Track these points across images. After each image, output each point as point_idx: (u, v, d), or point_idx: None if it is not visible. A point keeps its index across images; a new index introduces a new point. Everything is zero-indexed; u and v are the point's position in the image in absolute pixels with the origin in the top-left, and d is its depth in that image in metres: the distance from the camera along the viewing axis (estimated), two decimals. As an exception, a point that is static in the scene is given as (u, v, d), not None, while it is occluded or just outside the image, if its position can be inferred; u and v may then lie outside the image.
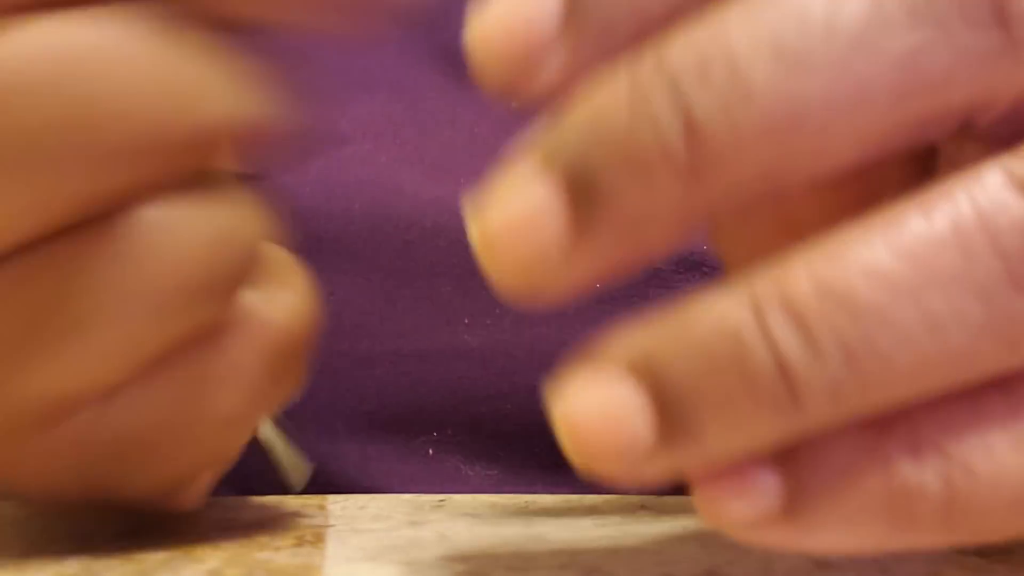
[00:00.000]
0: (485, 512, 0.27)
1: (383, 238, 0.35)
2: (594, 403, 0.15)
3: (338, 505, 0.27)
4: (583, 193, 0.15)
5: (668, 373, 0.15)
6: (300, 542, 0.23)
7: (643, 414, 0.15)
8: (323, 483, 0.37)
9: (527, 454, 0.35)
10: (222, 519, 0.25)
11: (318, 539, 0.24)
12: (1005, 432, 0.14)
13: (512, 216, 0.15)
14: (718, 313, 0.14)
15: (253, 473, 0.39)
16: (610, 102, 0.14)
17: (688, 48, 0.14)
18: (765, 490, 0.15)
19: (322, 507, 0.27)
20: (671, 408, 0.15)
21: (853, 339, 0.14)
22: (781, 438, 0.15)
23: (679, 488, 0.19)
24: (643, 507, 0.28)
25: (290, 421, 0.37)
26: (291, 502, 0.28)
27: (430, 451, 0.36)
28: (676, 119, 0.14)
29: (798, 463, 0.15)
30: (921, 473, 0.14)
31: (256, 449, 0.38)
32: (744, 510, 0.15)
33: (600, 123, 0.14)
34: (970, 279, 0.13)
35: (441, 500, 0.28)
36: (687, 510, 0.27)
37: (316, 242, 0.35)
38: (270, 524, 0.25)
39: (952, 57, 0.14)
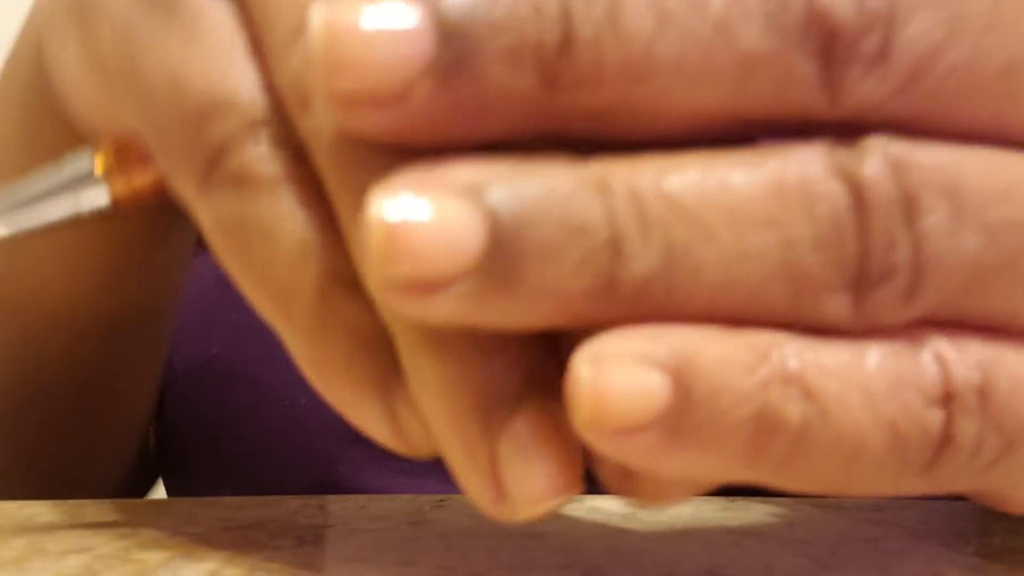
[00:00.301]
0: (485, 513, 0.27)
1: None
2: (425, 209, 0.15)
3: (338, 505, 0.27)
4: (451, 42, 0.15)
5: (507, 213, 0.15)
6: (300, 542, 0.23)
7: (476, 233, 0.15)
8: (323, 482, 0.37)
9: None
10: (221, 519, 0.25)
11: (318, 539, 0.24)
12: (861, 388, 0.15)
13: (377, 28, 0.15)
14: (574, 175, 0.15)
15: (252, 473, 0.39)
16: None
17: None
18: (657, 395, 0.15)
19: (322, 507, 0.27)
20: (502, 241, 0.15)
21: (678, 240, 0.15)
22: (587, 311, 0.15)
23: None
24: (644, 508, 0.27)
25: (295, 425, 0.37)
26: (291, 502, 0.28)
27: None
28: (557, 24, 0.15)
29: (688, 379, 0.15)
30: (787, 406, 0.15)
31: (255, 449, 0.38)
32: (632, 412, 0.15)
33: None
34: (782, 228, 0.15)
35: (441, 500, 0.28)
36: (688, 511, 0.27)
37: None
38: (270, 524, 0.25)
39: (782, 75, 0.15)
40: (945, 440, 0.15)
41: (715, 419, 0.15)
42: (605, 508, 0.27)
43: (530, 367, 0.17)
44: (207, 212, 0.18)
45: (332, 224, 0.17)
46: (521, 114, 0.16)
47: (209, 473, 0.40)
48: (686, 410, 0.15)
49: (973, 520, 0.27)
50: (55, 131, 0.27)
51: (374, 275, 0.15)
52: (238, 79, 0.18)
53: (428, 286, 0.15)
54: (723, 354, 0.15)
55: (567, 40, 0.15)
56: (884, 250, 0.15)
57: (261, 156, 0.18)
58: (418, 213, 0.15)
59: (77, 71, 0.21)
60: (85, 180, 0.20)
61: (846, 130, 0.16)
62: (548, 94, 0.15)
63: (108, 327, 0.34)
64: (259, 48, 0.18)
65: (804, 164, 0.15)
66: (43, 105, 0.27)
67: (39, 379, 0.35)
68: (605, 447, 0.15)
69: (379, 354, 0.17)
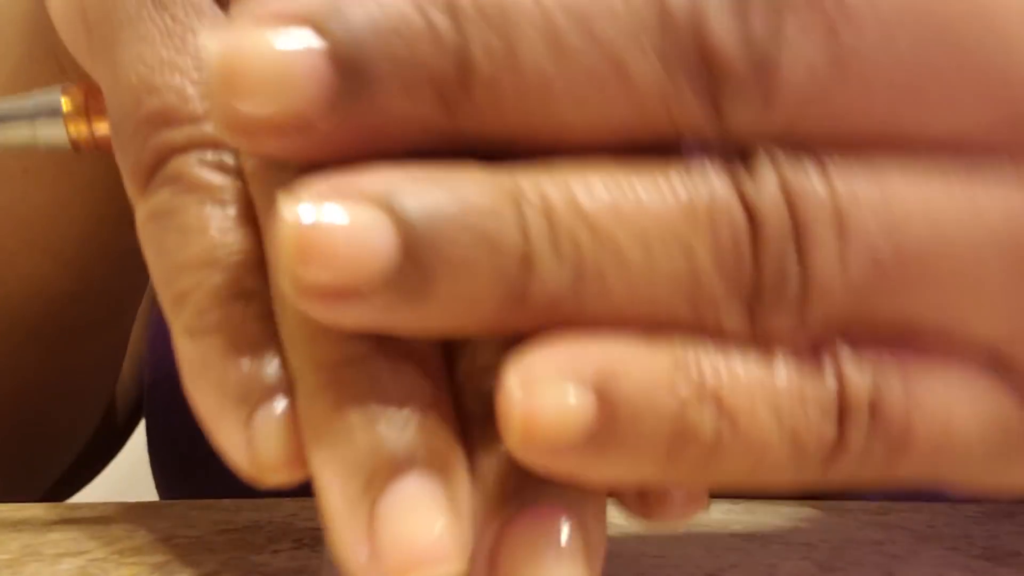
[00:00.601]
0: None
1: None
2: (338, 214, 0.15)
3: (336, 507, 0.27)
4: (352, 71, 0.15)
5: (420, 223, 0.15)
6: (298, 545, 0.23)
7: (388, 241, 0.15)
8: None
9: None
10: (218, 522, 0.25)
11: (316, 542, 0.23)
12: (769, 402, 0.16)
13: (274, 59, 0.15)
14: (488, 186, 0.15)
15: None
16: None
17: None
18: (585, 415, 0.15)
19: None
20: (414, 251, 0.15)
21: (589, 258, 0.15)
22: (499, 320, 0.16)
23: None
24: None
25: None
26: (288, 504, 0.27)
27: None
28: (455, 57, 0.15)
29: (614, 397, 0.16)
30: (701, 418, 0.16)
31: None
32: (561, 432, 0.15)
33: (384, 18, 0.15)
34: (688, 249, 0.16)
35: (440, 502, 0.28)
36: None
37: None
38: (267, 527, 0.25)
39: (673, 106, 0.16)
40: (838, 446, 0.16)
41: (637, 434, 0.16)
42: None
43: (425, 426, 0.16)
44: (142, 204, 0.19)
45: (253, 245, 0.18)
46: (423, 136, 0.16)
47: (202, 477, 0.40)
48: (611, 427, 0.16)
49: (978, 523, 0.27)
50: (51, 75, 0.28)
51: (286, 277, 0.15)
52: (204, 104, 0.19)
53: (339, 293, 0.15)
54: (646, 372, 0.16)
55: (465, 74, 0.15)
56: (775, 273, 0.16)
57: (203, 166, 0.18)
58: (331, 217, 0.15)
59: (64, 8, 0.22)
60: (48, 115, 0.21)
61: (742, 146, 0.16)
62: (448, 120, 0.16)
63: (95, 261, 0.34)
64: None
65: (710, 186, 0.16)
66: (42, 47, 0.28)
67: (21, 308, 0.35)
68: (534, 464, 0.16)
69: (254, 375, 0.17)
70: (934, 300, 0.17)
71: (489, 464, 0.17)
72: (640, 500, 0.19)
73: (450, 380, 0.17)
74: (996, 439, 0.18)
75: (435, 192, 0.15)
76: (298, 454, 0.17)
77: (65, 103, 0.21)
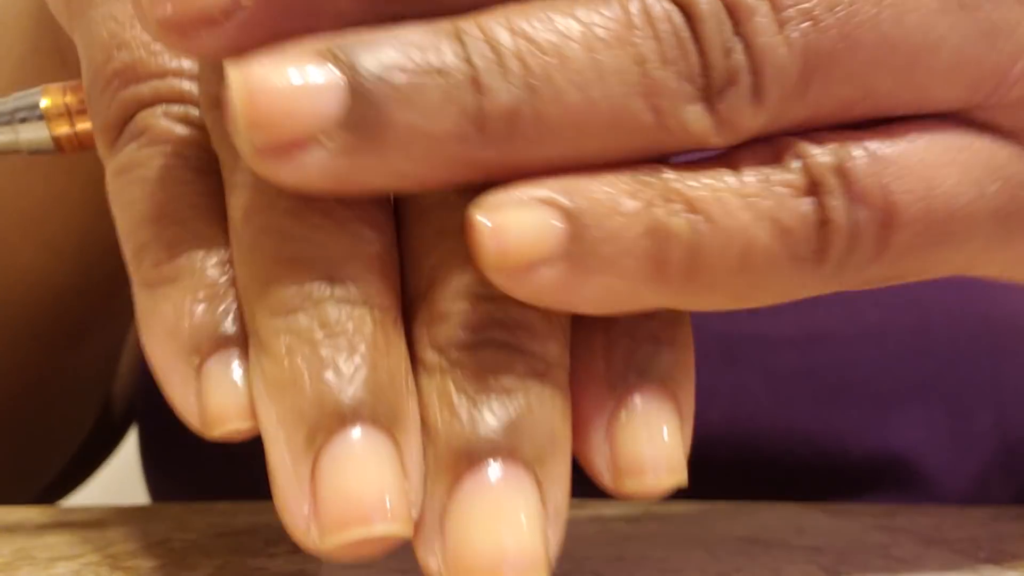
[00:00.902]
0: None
1: None
2: (283, 69, 0.15)
3: (334, 510, 0.27)
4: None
5: (364, 62, 0.15)
6: (295, 548, 0.23)
7: (336, 85, 0.15)
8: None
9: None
10: (214, 524, 0.25)
11: (314, 545, 0.23)
12: (737, 193, 0.17)
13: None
14: (428, 29, 0.16)
15: (247, 477, 0.38)
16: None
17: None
18: (552, 227, 0.16)
19: (318, 512, 0.27)
20: (362, 89, 0.15)
21: (535, 67, 0.16)
22: (462, 157, 0.16)
23: (685, 496, 0.18)
24: (648, 512, 0.27)
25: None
26: (286, 507, 0.27)
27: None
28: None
29: (577, 208, 0.16)
30: (673, 219, 0.16)
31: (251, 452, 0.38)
32: (532, 246, 0.16)
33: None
34: (630, 47, 0.16)
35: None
36: (694, 516, 0.27)
37: None
38: (264, 530, 0.24)
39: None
40: (823, 222, 0.17)
41: (610, 241, 0.16)
42: (608, 515, 0.27)
43: (375, 378, 0.16)
44: (110, 160, 0.19)
45: (214, 197, 0.18)
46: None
47: (194, 479, 0.40)
48: (581, 236, 0.16)
49: (985, 526, 0.27)
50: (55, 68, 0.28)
51: (242, 144, 0.15)
52: (175, 59, 0.19)
53: (295, 143, 0.15)
54: (606, 184, 0.16)
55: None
56: (721, 57, 0.16)
57: (168, 119, 0.19)
58: (277, 75, 0.15)
59: None
60: (29, 116, 0.21)
61: None
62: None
63: (89, 253, 0.34)
64: None
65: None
66: (47, 41, 0.28)
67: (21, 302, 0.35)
68: (516, 289, 0.16)
69: (206, 325, 0.17)
70: (885, 67, 0.17)
71: (443, 420, 0.16)
72: (614, 471, 0.17)
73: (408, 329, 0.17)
74: (995, 191, 0.18)
75: (376, 37, 0.16)
76: (247, 406, 0.17)
77: (45, 103, 0.21)
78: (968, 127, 0.18)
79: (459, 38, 0.16)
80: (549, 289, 0.16)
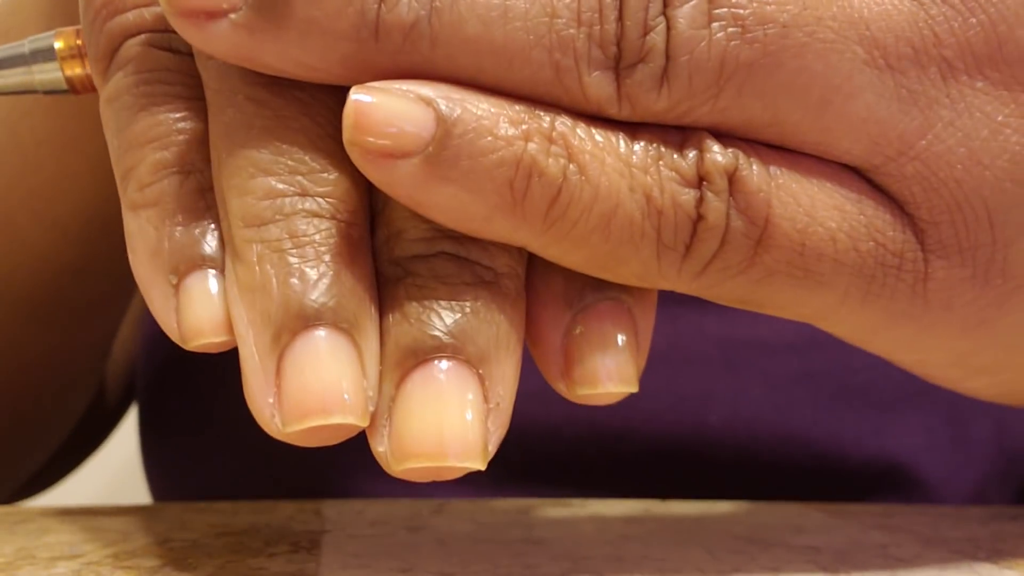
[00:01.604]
0: (485, 517, 0.26)
1: None
2: None
3: (334, 510, 0.27)
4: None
5: None
6: (295, 548, 0.23)
7: None
8: (320, 486, 0.36)
9: (528, 456, 0.35)
10: (215, 524, 0.25)
11: (314, 545, 0.23)
12: (621, 159, 0.17)
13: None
14: None
15: (248, 476, 0.38)
16: None
17: None
18: (417, 121, 0.17)
19: (318, 512, 0.27)
20: None
21: None
22: (358, 58, 0.17)
23: (683, 494, 0.18)
24: (647, 512, 0.27)
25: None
26: (286, 507, 0.27)
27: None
28: None
29: (451, 116, 0.17)
30: (547, 159, 0.17)
31: (251, 452, 0.38)
32: (392, 133, 0.17)
33: None
34: None
35: (440, 505, 0.28)
36: (694, 516, 0.27)
37: None
38: (264, 530, 0.24)
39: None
40: (698, 217, 0.17)
41: (475, 156, 0.17)
42: (608, 514, 0.27)
43: (339, 284, 0.17)
44: (104, 90, 0.20)
45: (197, 121, 0.19)
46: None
47: (198, 477, 0.40)
48: (444, 143, 0.16)
49: (983, 525, 0.26)
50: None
51: (163, 3, 0.17)
52: None
53: (206, 11, 0.17)
54: (492, 105, 0.17)
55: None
56: (639, 31, 0.17)
57: (151, 47, 0.19)
58: None
59: None
60: (43, 58, 0.22)
61: None
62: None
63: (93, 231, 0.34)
64: None
65: None
66: (62, 19, 0.29)
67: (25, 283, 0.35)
68: (371, 172, 0.17)
69: (186, 243, 0.18)
70: (798, 98, 0.17)
71: (395, 322, 0.17)
72: (568, 379, 0.19)
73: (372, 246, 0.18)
74: (867, 250, 0.18)
75: None
76: (223, 321, 0.18)
77: (59, 44, 0.22)
78: (862, 185, 0.18)
79: None
80: (400, 183, 0.17)
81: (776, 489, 0.34)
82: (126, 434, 0.48)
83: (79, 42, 0.22)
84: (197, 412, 0.40)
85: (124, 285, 0.38)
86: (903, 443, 0.36)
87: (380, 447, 0.17)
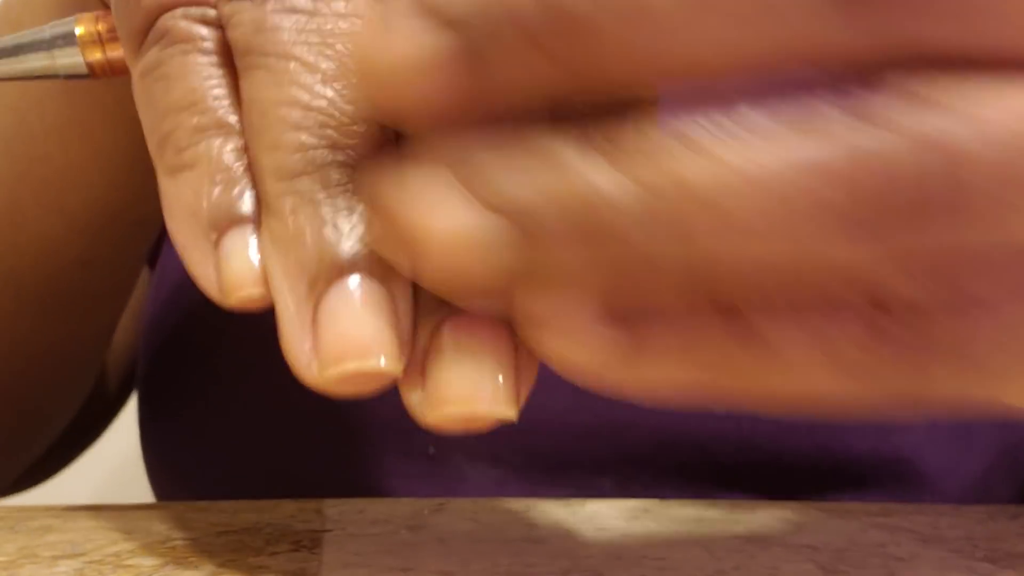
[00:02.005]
0: (486, 516, 0.26)
1: None
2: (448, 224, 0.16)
3: (336, 509, 0.27)
4: (468, 46, 0.15)
5: (529, 214, 0.15)
6: (296, 547, 0.23)
7: (498, 241, 0.15)
8: (321, 485, 0.36)
9: (529, 455, 0.35)
10: (216, 524, 0.25)
11: (315, 544, 0.23)
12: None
13: (403, 52, 0.16)
14: (582, 173, 0.15)
15: (248, 476, 0.38)
16: None
17: None
18: (605, 341, 0.16)
19: (319, 511, 0.27)
20: (528, 241, 0.15)
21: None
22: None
23: (686, 491, 0.18)
24: (646, 511, 0.27)
25: (293, 422, 0.37)
26: (287, 506, 0.27)
27: (431, 450, 0.35)
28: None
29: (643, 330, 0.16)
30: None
31: (251, 451, 0.38)
32: (584, 355, 0.16)
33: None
34: None
35: (441, 504, 0.28)
36: (692, 515, 0.27)
37: None
38: (265, 528, 0.25)
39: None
40: None
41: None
42: (606, 513, 0.27)
43: (370, 238, 0.17)
44: (136, 65, 0.20)
45: (230, 87, 0.19)
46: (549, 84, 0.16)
47: (200, 477, 0.40)
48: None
49: (982, 525, 0.27)
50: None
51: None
52: None
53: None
54: None
55: (560, 20, 0.15)
56: None
57: (186, 19, 0.20)
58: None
59: None
60: (64, 42, 0.23)
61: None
62: (563, 74, 0.15)
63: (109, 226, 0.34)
64: None
65: None
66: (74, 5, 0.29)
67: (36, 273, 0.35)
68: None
69: (223, 203, 0.19)
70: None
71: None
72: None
73: None
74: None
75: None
76: (260, 274, 0.18)
77: (79, 30, 0.22)
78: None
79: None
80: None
81: (778, 481, 0.34)
82: (127, 429, 0.48)
83: (99, 28, 0.22)
84: (197, 408, 0.40)
85: (127, 276, 0.38)
86: (905, 435, 0.36)
87: (414, 396, 0.18)
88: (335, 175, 0.18)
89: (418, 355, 0.18)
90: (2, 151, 0.33)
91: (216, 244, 0.19)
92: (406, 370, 0.18)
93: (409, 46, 0.16)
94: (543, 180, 0.15)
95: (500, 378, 0.17)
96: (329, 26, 0.19)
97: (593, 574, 0.21)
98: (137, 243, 0.36)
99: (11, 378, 0.38)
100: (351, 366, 0.17)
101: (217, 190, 0.19)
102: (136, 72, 0.20)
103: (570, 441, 0.35)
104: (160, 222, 0.35)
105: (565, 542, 0.24)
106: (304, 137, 0.18)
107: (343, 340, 0.17)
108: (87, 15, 0.22)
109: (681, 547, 0.23)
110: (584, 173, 0.15)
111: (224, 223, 0.19)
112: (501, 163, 0.16)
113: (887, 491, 0.35)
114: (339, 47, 0.18)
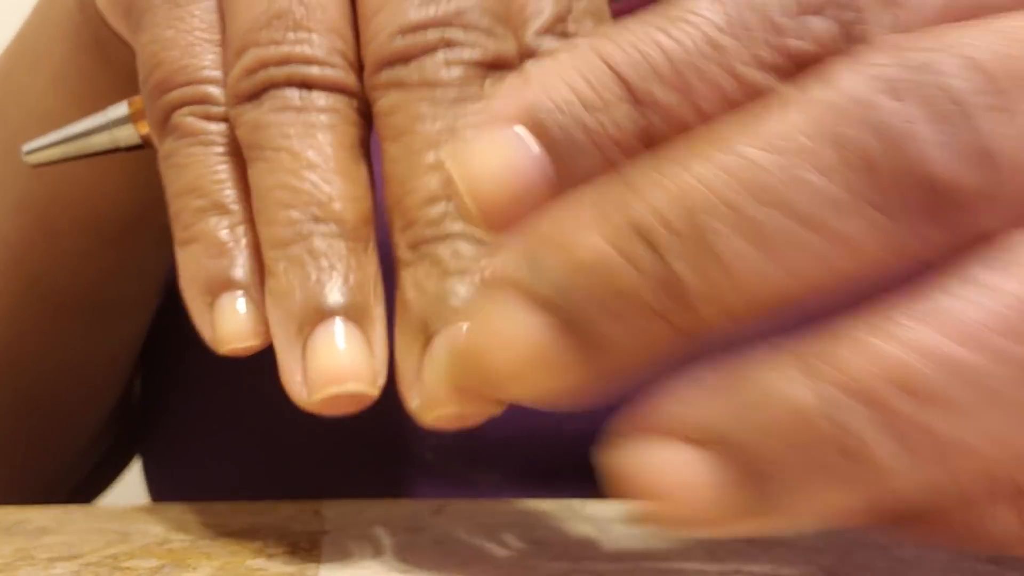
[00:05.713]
0: (484, 519, 0.26)
1: None
2: (669, 471, 0.16)
3: (334, 510, 0.27)
4: (573, 328, 0.16)
5: (744, 445, 0.16)
6: (294, 549, 0.23)
7: (722, 481, 0.16)
8: (319, 492, 0.36)
9: (528, 461, 0.35)
10: (214, 525, 0.25)
11: (313, 546, 0.23)
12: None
13: (507, 340, 0.17)
14: (778, 389, 0.15)
15: (247, 477, 0.38)
16: (587, 243, 0.16)
17: (664, 200, 0.16)
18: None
19: (317, 512, 0.27)
20: (751, 474, 0.16)
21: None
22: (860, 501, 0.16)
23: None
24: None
25: (290, 430, 0.36)
26: (285, 507, 0.27)
27: (429, 456, 0.35)
28: (661, 278, 0.16)
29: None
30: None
31: (248, 459, 0.38)
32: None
33: (581, 267, 0.16)
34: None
35: (440, 506, 0.28)
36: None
37: None
38: (263, 530, 0.24)
39: (883, 240, 0.15)
40: None
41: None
42: (608, 514, 0.27)
43: (349, 285, 0.21)
44: (159, 150, 0.24)
45: (232, 173, 0.23)
46: (667, 346, 0.16)
47: (197, 483, 0.40)
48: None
49: (985, 526, 0.26)
50: (102, 73, 0.33)
51: None
52: (198, 71, 0.24)
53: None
54: None
55: (678, 292, 0.16)
56: None
57: (194, 117, 0.24)
58: (665, 475, 0.17)
59: (109, 5, 0.28)
60: (120, 122, 0.27)
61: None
62: (673, 331, 0.16)
63: (126, 234, 0.36)
64: (223, 45, 0.24)
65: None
66: (88, 36, 0.32)
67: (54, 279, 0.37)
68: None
69: (219, 270, 0.23)
70: None
71: (414, 298, 0.21)
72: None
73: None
74: None
75: (741, 414, 0.16)
76: (248, 330, 0.22)
77: (129, 109, 0.26)
78: None
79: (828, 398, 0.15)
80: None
81: None
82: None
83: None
84: (195, 413, 0.40)
85: (153, 285, 0.40)
86: None
87: (414, 403, 0.21)
88: (318, 243, 0.21)
89: (411, 370, 0.21)
90: (35, 175, 0.35)
91: (211, 305, 0.23)
92: (405, 383, 0.21)
93: (520, 345, 0.17)
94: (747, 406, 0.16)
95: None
96: (312, 119, 0.22)
97: (593, 575, 0.21)
98: (161, 250, 0.37)
99: (41, 384, 0.39)
100: (333, 390, 0.21)
101: (212, 261, 0.23)
102: (159, 157, 0.24)
103: (568, 447, 0.35)
104: None
105: (564, 543, 0.23)
106: (293, 213, 0.21)
107: (325, 370, 0.21)
108: (136, 97, 0.26)
109: (682, 548, 0.23)
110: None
111: (217, 287, 0.23)
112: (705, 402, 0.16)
113: None
114: (320, 137, 0.22)
